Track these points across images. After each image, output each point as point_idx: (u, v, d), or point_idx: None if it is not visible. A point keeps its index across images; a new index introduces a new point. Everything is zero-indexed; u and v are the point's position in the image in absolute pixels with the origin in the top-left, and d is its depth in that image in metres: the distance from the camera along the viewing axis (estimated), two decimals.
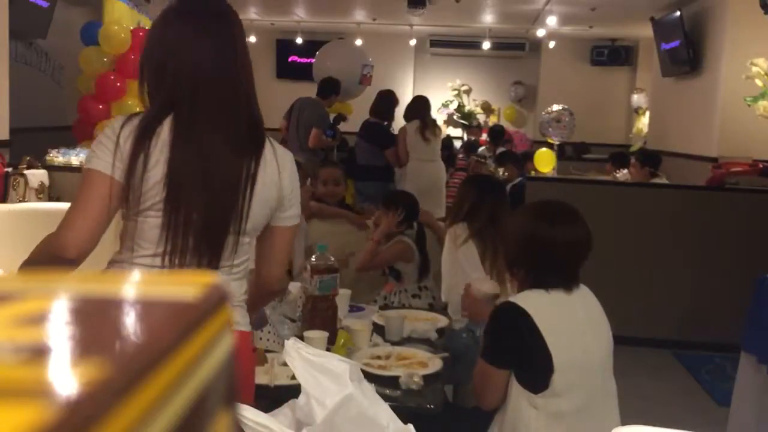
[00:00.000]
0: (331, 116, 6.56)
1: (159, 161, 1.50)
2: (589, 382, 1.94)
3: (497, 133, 8.58)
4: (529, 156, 7.91)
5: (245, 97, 1.57)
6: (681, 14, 7.12)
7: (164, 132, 1.51)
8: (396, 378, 2.06)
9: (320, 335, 2.21)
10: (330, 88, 6.39)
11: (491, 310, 2.08)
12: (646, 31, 8.50)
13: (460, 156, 7.81)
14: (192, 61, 1.53)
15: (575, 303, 1.99)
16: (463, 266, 3.00)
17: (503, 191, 3.45)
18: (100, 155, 1.52)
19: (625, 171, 5.81)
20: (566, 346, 1.91)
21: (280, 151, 1.65)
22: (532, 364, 1.92)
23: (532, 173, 7.25)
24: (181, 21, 1.58)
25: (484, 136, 9.66)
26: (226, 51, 1.56)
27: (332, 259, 2.44)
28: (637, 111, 10.26)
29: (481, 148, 8.63)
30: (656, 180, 5.49)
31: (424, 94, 6.87)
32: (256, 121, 1.60)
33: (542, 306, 1.94)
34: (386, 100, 6.24)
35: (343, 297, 2.62)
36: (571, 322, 1.97)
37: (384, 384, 2.01)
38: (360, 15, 9.45)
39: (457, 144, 9.48)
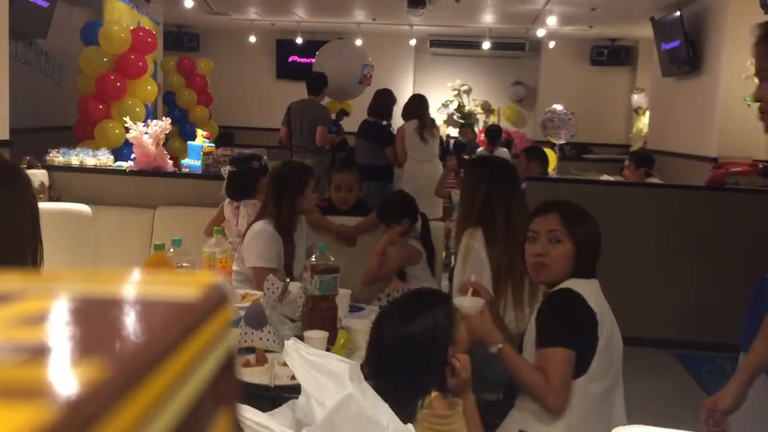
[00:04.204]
0: (333, 113, 6.55)
1: None
2: (614, 368, 2.08)
3: (494, 133, 8.61)
4: None
5: None
6: (681, 14, 7.11)
7: None
8: None
9: (320, 335, 2.21)
10: (319, 83, 6.38)
11: (484, 321, 2.12)
12: (646, 31, 8.50)
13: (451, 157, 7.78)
14: None
15: (602, 292, 2.13)
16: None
17: (514, 175, 3.06)
18: None
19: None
20: (606, 330, 2.03)
21: None
22: (582, 347, 2.02)
23: None
24: None
25: (483, 137, 9.64)
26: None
27: (332, 258, 2.44)
28: (637, 111, 10.25)
29: (480, 149, 8.64)
30: (651, 180, 5.49)
31: (424, 94, 6.85)
32: None
33: (588, 292, 2.06)
34: (383, 98, 6.23)
35: (343, 297, 2.62)
36: (605, 308, 2.09)
37: None
38: (360, 15, 9.45)
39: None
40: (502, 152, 8.29)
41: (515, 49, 10.88)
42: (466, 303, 2.20)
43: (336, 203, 3.93)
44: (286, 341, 1.84)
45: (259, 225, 3.07)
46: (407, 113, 6.17)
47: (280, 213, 3.08)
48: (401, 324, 1.75)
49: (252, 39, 10.25)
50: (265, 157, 3.77)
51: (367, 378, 1.58)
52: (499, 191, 2.86)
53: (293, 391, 1.72)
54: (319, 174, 4.27)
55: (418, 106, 6.20)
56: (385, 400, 1.44)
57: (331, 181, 4.07)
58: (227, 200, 3.65)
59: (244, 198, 3.56)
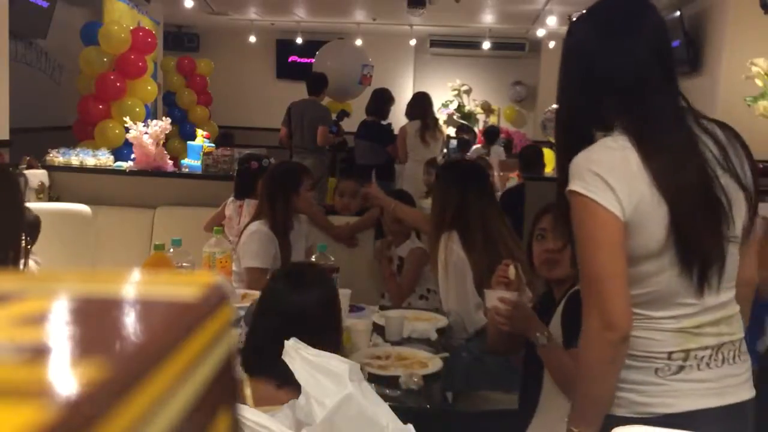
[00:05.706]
0: (333, 114, 6.55)
1: None
2: None
3: (491, 134, 8.71)
4: None
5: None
6: (681, 14, 7.11)
7: None
8: (396, 378, 2.06)
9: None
10: (320, 83, 6.38)
11: (528, 311, 2.02)
12: None
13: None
14: None
15: None
16: (455, 280, 2.84)
17: (483, 180, 3.06)
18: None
19: None
20: None
21: None
22: None
23: None
24: None
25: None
26: None
27: (332, 258, 2.44)
28: None
29: (476, 146, 8.70)
30: None
31: None
32: None
33: None
34: (380, 98, 6.24)
35: (343, 297, 2.61)
36: None
37: (384, 384, 2.01)
38: (360, 15, 9.45)
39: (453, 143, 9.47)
40: (498, 150, 8.35)
41: (515, 49, 10.87)
42: (507, 294, 2.06)
43: (338, 209, 3.95)
44: (285, 341, 1.84)
45: (254, 226, 3.08)
46: (410, 112, 6.15)
47: (274, 213, 3.08)
48: (295, 293, 1.72)
49: (252, 39, 10.25)
50: (272, 159, 3.77)
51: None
52: (473, 196, 2.84)
53: None
54: (318, 174, 4.28)
55: (421, 104, 6.17)
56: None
57: (337, 187, 4.09)
58: (231, 198, 3.68)
59: (247, 197, 3.58)
